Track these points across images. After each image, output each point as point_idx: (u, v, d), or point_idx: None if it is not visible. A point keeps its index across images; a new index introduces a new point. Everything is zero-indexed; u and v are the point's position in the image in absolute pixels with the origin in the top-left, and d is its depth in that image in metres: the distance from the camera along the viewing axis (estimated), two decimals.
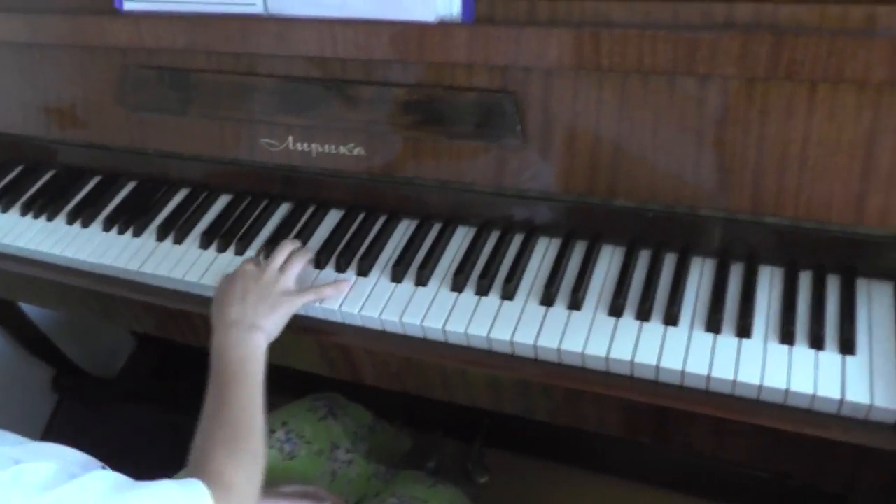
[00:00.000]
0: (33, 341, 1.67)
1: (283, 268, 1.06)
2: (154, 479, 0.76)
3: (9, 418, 1.65)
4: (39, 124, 1.36)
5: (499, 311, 1.02)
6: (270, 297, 1.02)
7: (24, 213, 1.34)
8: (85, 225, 1.28)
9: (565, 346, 0.96)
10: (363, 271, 1.10)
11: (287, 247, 1.09)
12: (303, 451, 1.22)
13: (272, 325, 1.01)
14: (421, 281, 1.07)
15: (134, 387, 1.67)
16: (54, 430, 1.58)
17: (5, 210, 1.35)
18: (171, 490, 0.76)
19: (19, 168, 1.44)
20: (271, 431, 1.19)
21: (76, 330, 1.76)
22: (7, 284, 1.34)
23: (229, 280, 1.04)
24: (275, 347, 1.00)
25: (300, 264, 1.08)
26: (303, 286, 1.08)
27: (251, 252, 1.18)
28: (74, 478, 0.71)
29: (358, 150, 1.12)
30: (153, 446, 1.55)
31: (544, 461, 1.67)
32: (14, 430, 1.60)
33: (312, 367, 1.13)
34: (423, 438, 1.52)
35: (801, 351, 0.91)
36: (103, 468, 0.78)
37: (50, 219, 1.31)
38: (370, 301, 1.06)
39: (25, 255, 1.29)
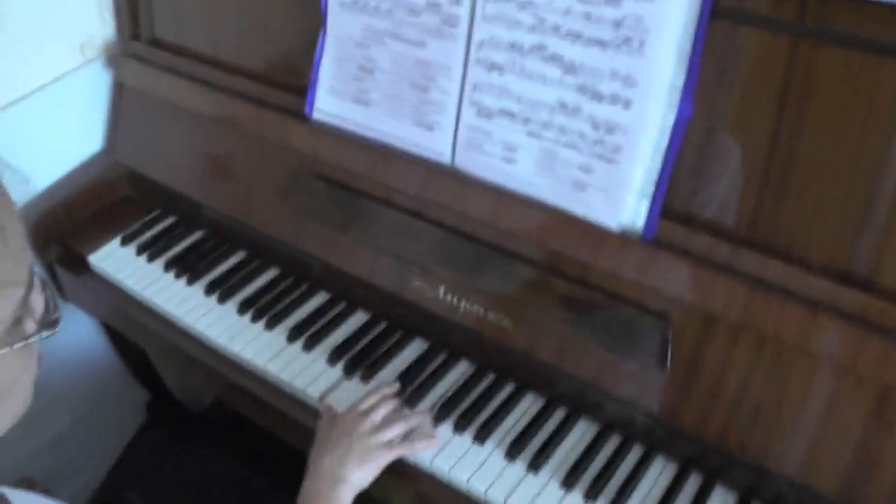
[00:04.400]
0: (137, 365, 1.79)
1: (384, 421, 1.14)
2: None
3: (97, 430, 1.78)
4: (202, 188, 1.46)
5: None
6: (362, 450, 1.10)
7: (167, 269, 1.45)
8: (221, 301, 1.38)
9: None
10: (480, 438, 1.16)
11: (389, 403, 1.18)
12: None
13: (360, 477, 1.09)
14: (534, 467, 1.13)
15: (215, 429, 1.78)
16: (133, 453, 1.71)
17: (150, 261, 1.46)
18: None
19: (172, 219, 1.56)
20: None
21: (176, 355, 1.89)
22: (133, 328, 1.45)
23: (332, 426, 1.13)
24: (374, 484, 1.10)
25: (403, 426, 1.15)
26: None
27: (375, 382, 1.25)
28: None
29: (504, 323, 1.18)
30: (217, 494, 1.66)
31: None
32: (99, 440, 1.72)
33: None
34: None
35: None
36: None
37: (190, 283, 1.41)
38: (480, 472, 1.12)
39: (159, 310, 1.39)
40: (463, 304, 1.21)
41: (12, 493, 0.80)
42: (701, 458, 1.12)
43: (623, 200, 1.08)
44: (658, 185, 1.07)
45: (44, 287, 0.72)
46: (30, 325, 0.68)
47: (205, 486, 1.64)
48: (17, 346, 0.67)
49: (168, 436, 1.69)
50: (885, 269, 0.97)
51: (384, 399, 1.18)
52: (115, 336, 1.71)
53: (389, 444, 1.12)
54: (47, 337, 0.70)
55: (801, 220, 1.01)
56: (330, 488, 1.07)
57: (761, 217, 1.03)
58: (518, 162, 1.15)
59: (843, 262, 0.99)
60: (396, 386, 1.22)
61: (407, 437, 1.15)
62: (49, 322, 0.70)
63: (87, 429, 1.77)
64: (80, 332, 1.69)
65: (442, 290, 1.23)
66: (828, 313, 0.97)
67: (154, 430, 1.74)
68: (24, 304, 0.67)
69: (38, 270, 0.71)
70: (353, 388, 1.24)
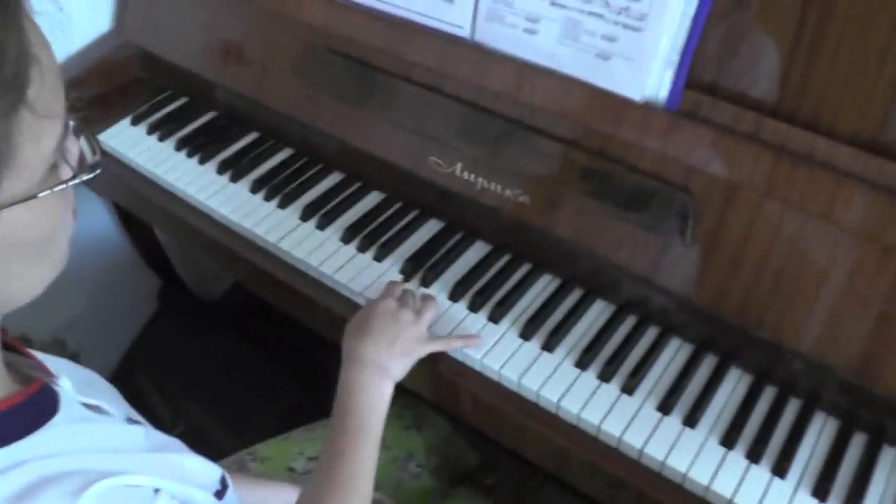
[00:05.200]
0: (148, 250, 1.79)
1: (420, 312, 1.11)
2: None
3: (111, 316, 1.78)
4: (215, 67, 1.44)
5: (615, 403, 1.07)
6: (405, 341, 1.07)
7: (178, 148, 1.43)
8: (234, 180, 1.36)
9: (671, 462, 1.01)
10: (495, 318, 1.16)
11: (426, 295, 1.16)
12: (380, 454, 1.30)
13: (400, 369, 1.06)
14: (548, 346, 1.12)
15: (229, 316, 1.79)
16: (147, 338, 1.72)
17: (161, 140, 1.44)
18: None
19: (183, 100, 1.53)
20: None
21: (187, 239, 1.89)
22: (143, 207, 1.44)
23: (367, 313, 1.09)
24: None
25: (434, 312, 1.13)
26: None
27: (390, 260, 1.24)
28: None
29: (522, 198, 1.17)
30: (231, 379, 1.67)
31: None
32: (112, 327, 1.73)
33: (420, 390, 1.20)
34: (490, 452, 1.59)
35: None
36: (223, 478, 0.84)
37: (202, 162, 1.40)
38: (494, 351, 1.12)
39: (170, 189, 1.38)
40: (480, 180, 1.20)
41: (47, 360, 0.79)
42: (717, 338, 1.12)
43: (648, 70, 1.06)
44: (684, 53, 1.04)
45: (78, 134, 0.70)
46: (66, 172, 0.66)
47: (216, 373, 1.66)
48: (58, 188, 0.65)
49: (180, 323, 1.71)
50: None
51: (416, 293, 1.15)
52: (125, 217, 1.70)
53: (430, 338, 1.11)
54: (87, 180, 0.68)
55: (831, 89, 0.99)
56: (375, 380, 1.03)
57: (789, 86, 1.01)
58: (540, 33, 1.12)
59: (871, 131, 0.97)
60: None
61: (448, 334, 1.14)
62: (88, 166, 0.68)
63: (98, 315, 1.78)
64: (91, 215, 1.68)
65: (459, 166, 1.21)
66: (855, 182, 0.95)
67: (166, 317, 1.76)
68: (60, 147, 0.65)
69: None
70: (364, 265, 1.24)
